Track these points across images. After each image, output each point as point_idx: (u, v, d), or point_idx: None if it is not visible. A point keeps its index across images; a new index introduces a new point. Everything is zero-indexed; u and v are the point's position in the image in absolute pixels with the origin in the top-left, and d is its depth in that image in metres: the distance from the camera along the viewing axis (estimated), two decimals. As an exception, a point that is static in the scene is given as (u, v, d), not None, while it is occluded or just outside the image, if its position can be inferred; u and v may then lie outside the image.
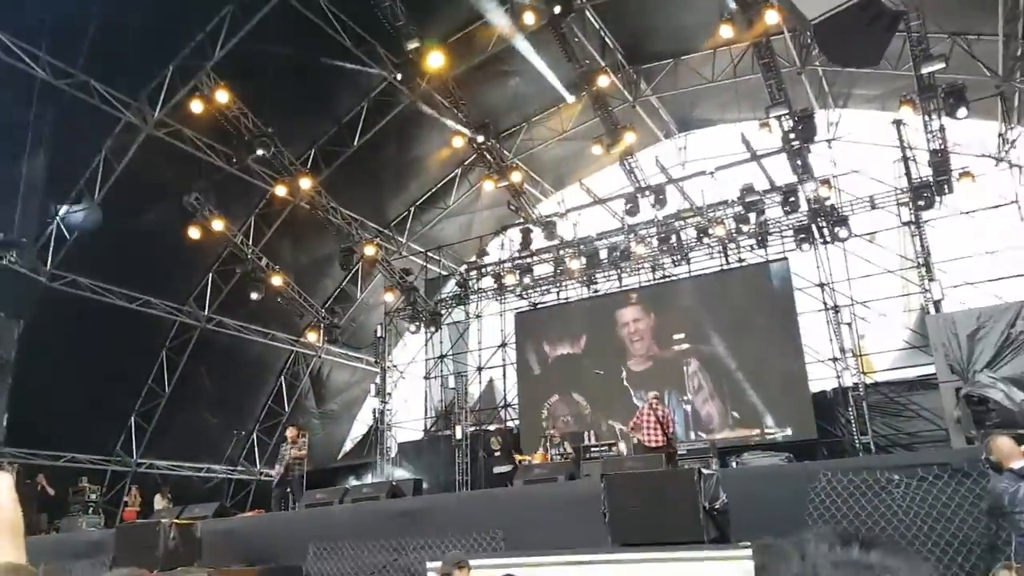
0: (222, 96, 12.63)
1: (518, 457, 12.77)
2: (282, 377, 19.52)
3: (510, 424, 17.70)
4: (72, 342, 14.35)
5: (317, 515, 9.34)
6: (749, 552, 5.34)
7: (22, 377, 13.50)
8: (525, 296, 18.59)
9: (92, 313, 14.75)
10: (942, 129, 13.26)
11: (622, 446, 11.36)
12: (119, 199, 14.18)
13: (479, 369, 18.83)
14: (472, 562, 5.83)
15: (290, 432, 11.76)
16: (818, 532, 0.82)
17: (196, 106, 12.87)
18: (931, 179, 13.92)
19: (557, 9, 10.84)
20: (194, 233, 14.46)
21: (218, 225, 14.54)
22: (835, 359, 14.63)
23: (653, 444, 10.01)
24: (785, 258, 15.50)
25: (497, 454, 15.01)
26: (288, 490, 11.23)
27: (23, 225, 13.17)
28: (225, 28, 13.29)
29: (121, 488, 16.38)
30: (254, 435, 19.03)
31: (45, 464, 14.79)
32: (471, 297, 19.15)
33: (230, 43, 13.35)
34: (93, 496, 14.97)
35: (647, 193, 15.14)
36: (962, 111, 12.29)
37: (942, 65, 11.92)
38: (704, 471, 6.19)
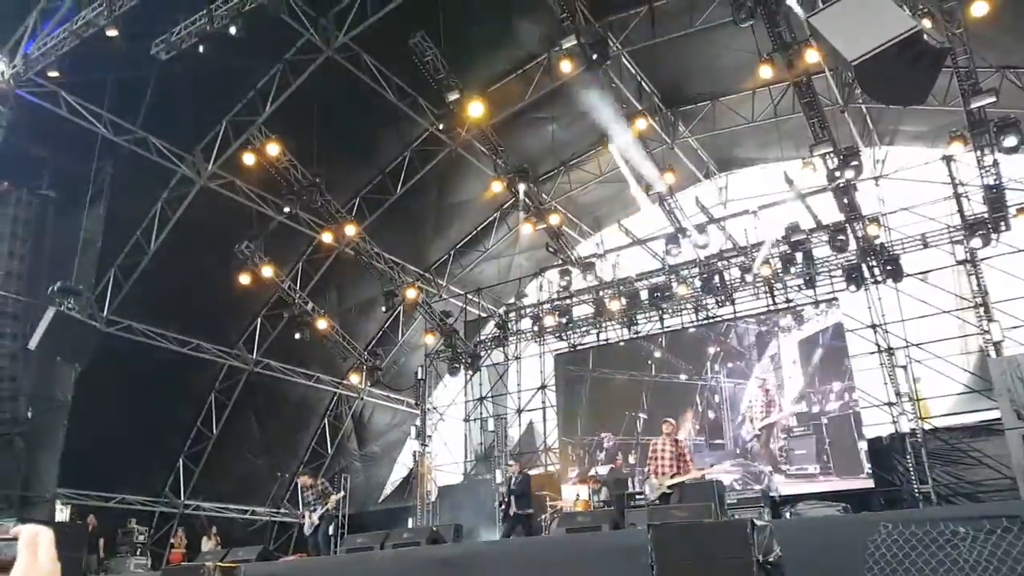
0: (272, 149, 13.08)
1: (558, 503, 12.53)
2: (325, 419, 19.71)
3: (551, 468, 17.44)
4: (125, 385, 14.80)
5: (358, 560, 9.26)
6: (803, 610, 5.09)
7: (77, 419, 13.94)
8: (564, 338, 18.49)
9: (145, 357, 15.22)
10: (996, 164, 12.88)
11: (648, 489, 10.18)
12: (173, 248, 14.75)
13: (519, 411, 18.68)
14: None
15: (307, 480, 11.51)
16: None
17: (248, 159, 13.34)
18: (987, 216, 13.48)
19: (594, 56, 10.97)
20: (244, 279, 14.85)
21: (267, 271, 14.91)
22: (891, 404, 14.07)
23: (665, 471, 9.47)
24: (835, 298, 15.11)
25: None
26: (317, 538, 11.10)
27: (81, 273, 13.75)
28: (275, 84, 13.89)
29: (168, 529, 16.61)
30: (298, 478, 19.13)
31: (96, 504, 15.11)
32: (510, 339, 19.13)
33: (280, 99, 13.93)
34: (141, 538, 15.21)
35: (687, 234, 15.00)
36: (1012, 142, 11.90)
37: (992, 99, 11.62)
38: (757, 522, 5.96)
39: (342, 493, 11.78)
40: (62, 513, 14.23)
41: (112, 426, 14.34)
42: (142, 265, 14.87)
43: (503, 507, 11.01)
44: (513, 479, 11.11)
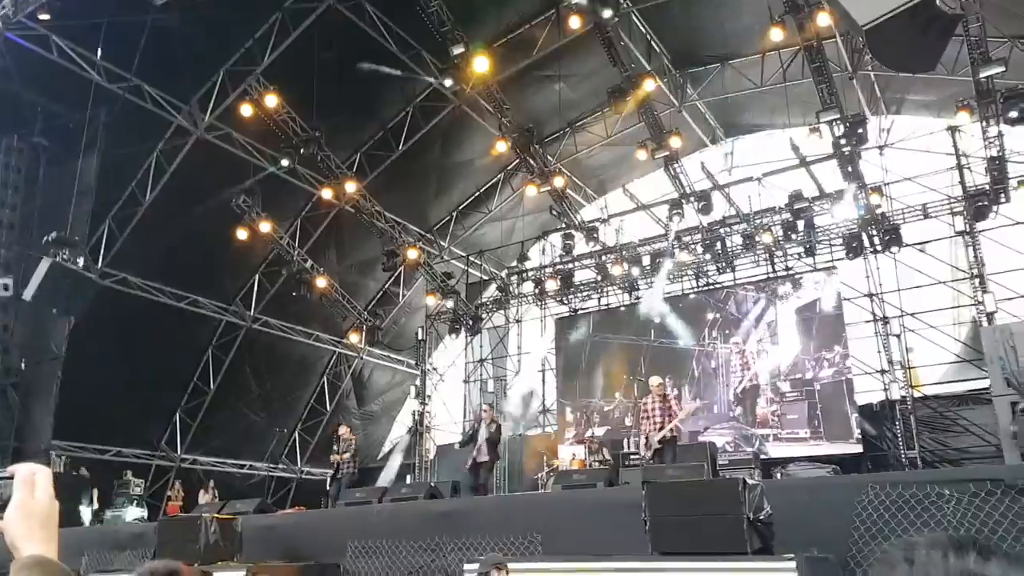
0: (271, 100, 12.88)
1: (555, 462, 12.68)
2: (324, 377, 19.79)
3: (548, 429, 17.62)
4: (121, 339, 14.74)
5: (356, 514, 9.37)
6: (793, 564, 5.19)
7: (72, 372, 13.94)
8: (566, 302, 18.51)
9: (141, 311, 15.15)
10: (1000, 136, 12.81)
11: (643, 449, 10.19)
12: (169, 200, 14.54)
13: (517, 373, 18.79)
14: (510, 565, 5.78)
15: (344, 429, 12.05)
16: (930, 538, 0.75)
17: (246, 110, 13.14)
18: (987, 187, 13.45)
19: (606, 13, 10.76)
20: (242, 234, 14.75)
21: (265, 227, 14.81)
22: (883, 371, 14.23)
23: (655, 429, 9.55)
24: (834, 267, 15.14)
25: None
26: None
27: (76, 224, 13.59)
28: (274, 34, 13.58)
29: (165, 483, 16.76)
30: (296, 434, 19.30)
31: (92, 457, 15.21)
32: (512, 302, 19.14)
33: (279, 49, 13.63)
34: (137, 489, 15.36)
35: (692, 199, 14.93)
36: (1017, 113, 11.80)
37: (1002, 69, 11.51)
38: (748, 481, 6.05)
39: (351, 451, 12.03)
40: (56, 465, 14.33)
41: (108, 379, 14.33)
42: (137, 217, 14.68)
43: (474, 455, 10.80)
44: (483, 425, 10.90)
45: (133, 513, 14.55)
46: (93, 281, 13.75)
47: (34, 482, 1.16)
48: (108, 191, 14.21)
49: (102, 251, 14.67)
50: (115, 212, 14.69)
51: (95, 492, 14.23)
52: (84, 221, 14.00)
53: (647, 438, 9.69)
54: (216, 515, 8.44)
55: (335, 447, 11.78)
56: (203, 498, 14.93)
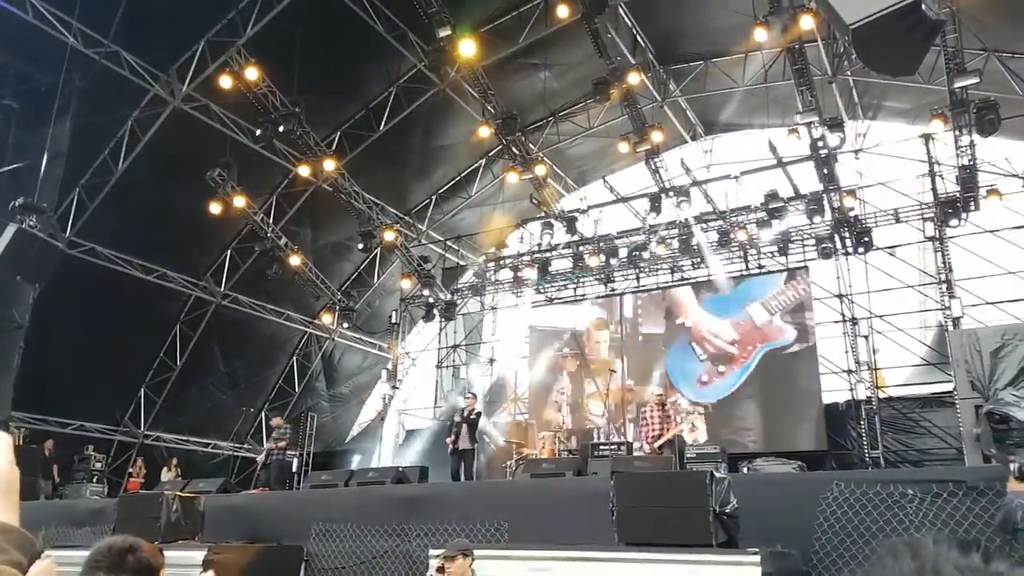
0: (251, 73, 12.63)
1: (525, 451, 12.73)
2: (294, 357, 19.59)
3: (519, 417, 17.67)
4: (87, 310, 14.43)
5: (321, 496, 9.33)
6: (757, 558, 5.27)
7: (35, 342, 13.57)
8: (542, 291, 18.53)
9: (108, 283, 14.83)
10: (972, 145, 13.06)
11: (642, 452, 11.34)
12: (142, 171, 14.23)
13: (491, 361, 18.79)
14: (476, 552, 5.79)
15: (277, 420, 12.36)
16: (936, 537, 0.76)
17: (225, 82, 12.87)
18: (958, 195, 13.73)
19: (593, 3, 10.73)
20: (215, 208, 14.49)
21: (239, 202, 14.56)
22: (850, 371, 14.50)
23: (654, 435, 10.25)
24: (805, 266, 15.37)
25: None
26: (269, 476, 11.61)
27: (45, 190, 13.22)
28: (258, 6, 13.30)
29: (127, 459, 16.49)
30: (263, 414, 19.11)
31: (53, 430, 14.90)
32: (487, 289, 19.11)
33: (262, 21, 13.36)
34: (98, 465, 15.10)
35: (671, 194, 15.02)
36: (992, 128, 12.08)
37: (976, 80, 11.72)
38: (716, 474, 6.12)
39: (287, 440, 12.20)
40: (16, 438, 14.03)
41: (71, 351, 14.04)
42: (108, 186, 14.34)
43: (453, 440, 11.10)
44: (466, 412, 11.25)
45: (93, 489, 14.31)
46: (60, 250, 13.41)
47: None
48: (80, 158, 13.82)
49: (71, 220, 14.32)
50: (86, 180, 14.33)
51: (55, 467, 13.95)
52: (53, 188, 13.60)
53: (647, 442, 10.44)
54: (178, 493, 8.34)
55: (273, 436, 11.95)
56: (166, 476, 14.74)
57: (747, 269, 16.21)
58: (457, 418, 11.38)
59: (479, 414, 11.45)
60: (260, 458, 11.96)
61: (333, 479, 9.97)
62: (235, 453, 18.51)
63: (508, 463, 12.19)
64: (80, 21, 12.42)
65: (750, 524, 5.93)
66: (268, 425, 12.25)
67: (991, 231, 14.17)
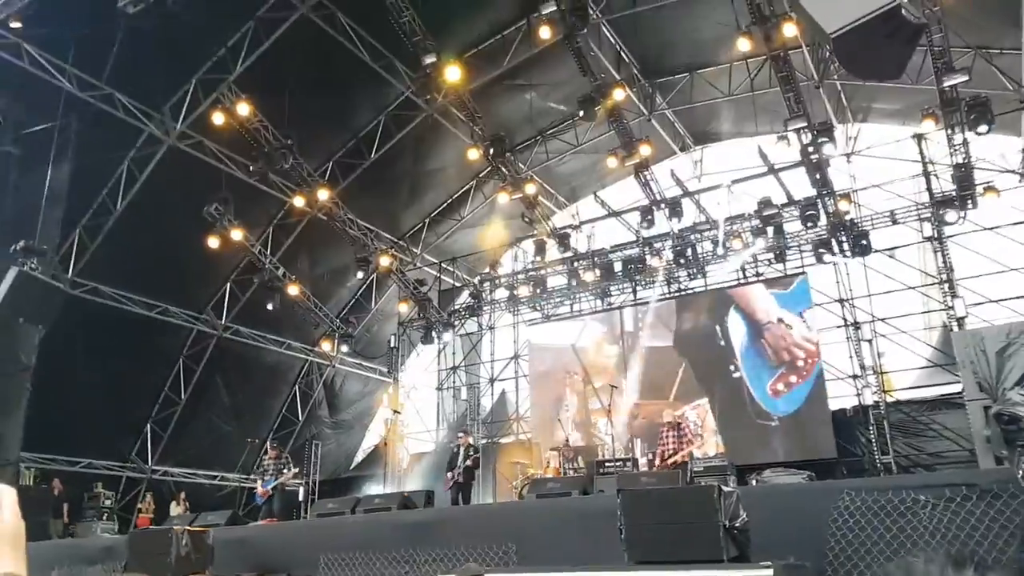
0: (243, 109, 12.76)
1: (531, 471, 12.67)
2: (296, 386, 19.58)
3: (522, 437, 17.60)
4: (91, 349, 14.48)
5: (328, 525, 9.28)
6: (770, 572, 5.20)
7: (41, 383, 13.58)
8: (539, 308, 18.54)
9: (112, 321, 14.90)
10: (965, 143, 13.09)
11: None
12: (141, 209, 14.36)
13: (491, 381, 18.76)
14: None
15: (272, 451, 12.20)
16: (928, 555, 0.76)
17: (218, 118, 13.01)
18: (955, 194, 13.73)
19: (574, 23, 10.85)
20: (213, 243, 14.57)
21: (237, 235, 14.65)
22: (855, 377, 14.41)
23: (669, 454, 10.22)
24: (804, 272, 15.34)
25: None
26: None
27: (46, 233, 13.33)
28: (247, 43, 13.49)
29: (136, 495, 16.46)
30: (267, 444, 19.02)
31: (62, 469, 14.90)
32: (484, 309, 19.13)
33: (251, 57, 13.55)
34: (108, 502, 15.08)
35: (662, 206, 15.07)
36: (983, 126, 12.11)
37: (965, 78, 11.76)
38: (724, 488, 6.08)
39: (296, 469, 12.10)
40: (25, 478, 14.02)
41: (78, 390, 14.06)
42: (108, 225, 14.48)
43: (455, 477, 11.12)
44: (461, 450, 11.29)
45: (103, 527, 14.27)
46: (63, 291, 13.48)
47: (0, 503, 1.13)
48: (79, 200, 13.98)
49: (72, 260, 14.43)
50: (86, 221, 14.47)
51: (65, 505, 13.93)
52: (54, 230, 13.75)
53: (661, 458, 10.49)
54: (188, 528, 8.30)
55: (262, 467, 11.90)
56: (175, 510, 14.71)
57: (744, 277, 16.20)
58: (453, 455, 11.43)
59: (477, 450, 11.48)
60: (259, 489, 11.80)
61: (339, 507, 9.91)
62: (242, 484, 18.45)
63: (514, 483, 12.13)
64: (74, 65, 12.60)
65: (762, 538, 5.87)
66: (261, 457, 12.06)
67: (991, 228, 14.15)
